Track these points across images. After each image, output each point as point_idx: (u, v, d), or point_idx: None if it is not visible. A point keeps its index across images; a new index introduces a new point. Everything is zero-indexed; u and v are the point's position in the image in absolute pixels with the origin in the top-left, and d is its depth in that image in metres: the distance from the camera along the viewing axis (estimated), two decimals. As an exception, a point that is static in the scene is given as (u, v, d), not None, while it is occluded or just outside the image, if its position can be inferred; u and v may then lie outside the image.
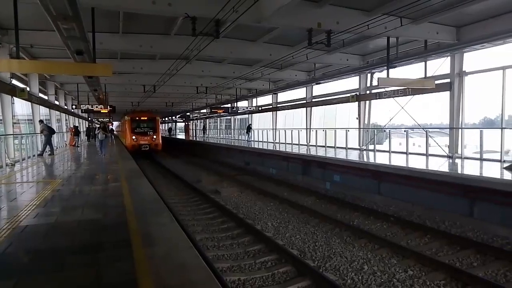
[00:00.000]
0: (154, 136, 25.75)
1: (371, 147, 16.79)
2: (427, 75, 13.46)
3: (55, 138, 18.99)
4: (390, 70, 12.81)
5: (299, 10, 10.03)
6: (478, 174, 9.04)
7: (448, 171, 9.86)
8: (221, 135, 44.04)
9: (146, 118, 26.14)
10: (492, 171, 9.56)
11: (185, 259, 3.62)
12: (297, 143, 20.58)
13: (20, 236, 4.42)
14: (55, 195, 7.00)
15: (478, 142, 11.35)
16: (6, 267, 3.53)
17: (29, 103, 16.85)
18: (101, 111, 23.02)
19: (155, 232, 4.52)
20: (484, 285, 5.36)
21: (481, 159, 11.27)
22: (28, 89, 15.35)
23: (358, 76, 18.11)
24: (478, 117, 16.88)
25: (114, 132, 49.06)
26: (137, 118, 25.96)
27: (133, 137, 25.06)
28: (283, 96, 27.66)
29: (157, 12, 9.28)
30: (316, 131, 19.60)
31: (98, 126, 19.44)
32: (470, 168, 10.26)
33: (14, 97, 13.38)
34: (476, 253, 6.72)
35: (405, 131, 14.88)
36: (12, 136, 13.60)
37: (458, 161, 11.80)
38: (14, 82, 15.64)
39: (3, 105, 13.24)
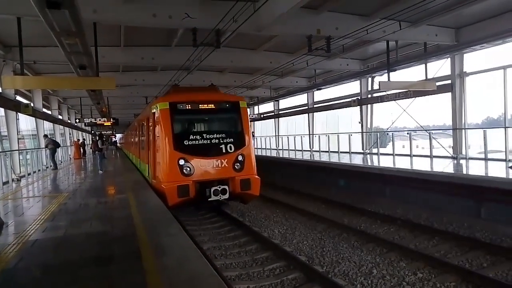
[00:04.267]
0: (240, 157, 9.25)
1: (374, 150, 16.79)
2: (428, 77, 13.50)
3: (59, 152, 19.06)
4: (391, 73, 12.89)
5: (298, 17, 10.13)
6: (484, 174, 9.02)
7: (453, 172, 9.84)
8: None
9: (213, 105, 9.56)
10: (498, 170, 9.55)
11: (196, 269, 3.63)
12: (300, 149, 20.61)
13: (30, 251, 4.44)
14: (62, 209, 7.02)
15: (482, 142, 11.35)
16: (18, 282, 3.54)
17: (33, 118, 17.00)
18: (104, 124, 23.07)
19: (165, 243, 4.54)
20: (496, 285, 5.32)
21: (486, 159, 11.24)
22: (32, 104, 15.50)
23: (359, 81, 18.17)
24: (481, 117, 16.85)
25: (118, 145, 48.82)
26: (188, 106, 9.34)
27: (180, 161, 8.70)
28: (284, 103, 27.77)
29: (158, 25, 9.39)
30: (319, 136, 19.60)
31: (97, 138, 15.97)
32: (475, 169, 10.24)
33: (19, 113, 13.52)
34: (485, 253, 6.69)
35: (408, 133, 14.89)
36: (17, 151, 13.69)
37: (463, 162, 11.77)
38: (18, 98, 15.79)
39: (8, 121, 13.35)
